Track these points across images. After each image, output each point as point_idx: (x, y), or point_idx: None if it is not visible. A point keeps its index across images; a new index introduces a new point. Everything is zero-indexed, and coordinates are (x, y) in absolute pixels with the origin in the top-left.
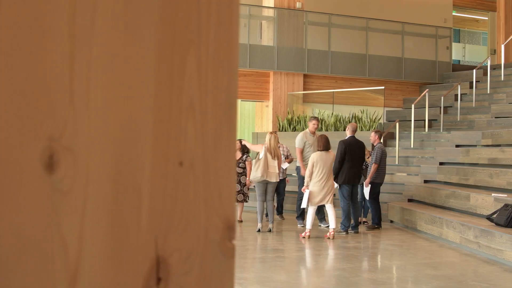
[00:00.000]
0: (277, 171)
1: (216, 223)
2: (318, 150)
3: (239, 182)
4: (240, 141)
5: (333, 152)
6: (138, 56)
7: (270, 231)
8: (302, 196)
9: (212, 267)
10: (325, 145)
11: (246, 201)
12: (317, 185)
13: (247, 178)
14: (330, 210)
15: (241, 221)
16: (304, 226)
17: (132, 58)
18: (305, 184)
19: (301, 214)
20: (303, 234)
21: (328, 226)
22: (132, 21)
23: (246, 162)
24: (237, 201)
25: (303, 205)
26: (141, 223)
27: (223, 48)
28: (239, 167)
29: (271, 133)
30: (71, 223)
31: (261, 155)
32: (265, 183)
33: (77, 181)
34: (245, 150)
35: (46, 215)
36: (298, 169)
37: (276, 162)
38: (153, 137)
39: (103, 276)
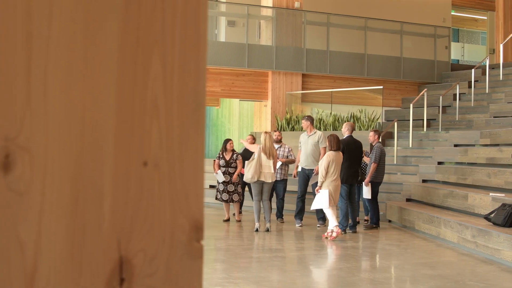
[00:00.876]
0: (273, 171)
1: (182, 224)
2: (332, 150)
3: (233, 182)
4: (230, 140)
5: (341, 153)
6: (98, 56)
7: (267, 230)
8: (302, 196)
9: (178, 268)
10: (338, 145)
11: (241, 200)
12: (333, 184)
13: (235, 174)
14: (328, 212)
15: (239, 220)
16: (302, 225)
17: (93, 59)
18: (319, 184)
19: (299, 213)
20: (334, 235)
21: (322, 225)
22: (92, 22)
23: (237, 161)
24: (233, 201)
25: (322, 206)
26: (102, 224)
27: (190, 48)
28: (231, 167)
29: (266, 133)
30: (28, 224)
31: (255, 155)
32: (260, 183)
33: (34, 181)
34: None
35: (1, 215)
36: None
37: (271, 162)
38: (115, 137)
39: (63, 277)
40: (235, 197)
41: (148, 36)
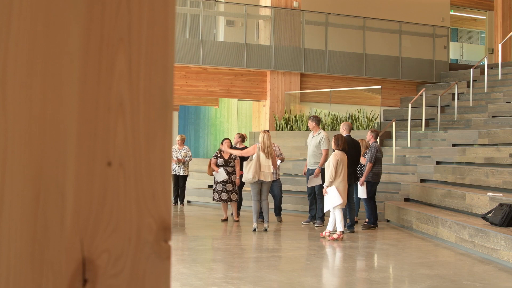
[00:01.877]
0: (272, 171)
1: (149, 224)
2: (338, 150)
3: (231, 181)
4: (227, 139)
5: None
6: (60, 55)
7: (265, 230)
8: (310, 194)
9: (145, 269)
10: (343, 145)
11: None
12: (342, 184)
13: (237, 177)
14: (338, 213)
15: (238, 220)
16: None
17: (54, 58)
18: (326, 184)
19: (312, 211)
20: (335, 237)
21: (320, 225)
22: (53, 21)
23: (236, 161)
24: (231, 200)
25: (330, 207)
26: (64, 224)
27: (157, 47)
28: (230, 166)
29: (264, 132)
30: None
31: (254, 155)
32: (259, 183)
33: None
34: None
35: None
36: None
37: (270, 161)
38: (78, 137)
39: (23, 277)
40: (233, 196)
41: (112, 34)
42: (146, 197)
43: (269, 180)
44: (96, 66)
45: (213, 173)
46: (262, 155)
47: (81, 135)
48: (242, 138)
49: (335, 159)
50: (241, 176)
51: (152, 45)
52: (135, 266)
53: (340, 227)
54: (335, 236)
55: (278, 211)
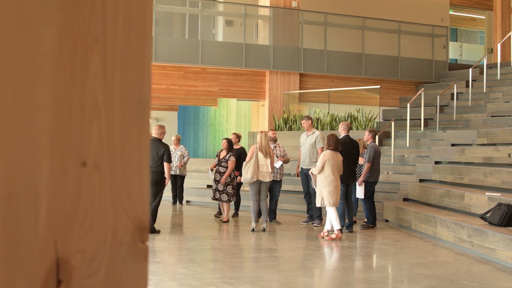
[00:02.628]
0: (270, 170)
1: (126, 224)
2: (329, 149)
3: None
4: (224, 139)
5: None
6: (32, 55)
7: (264, 230)
8: (306, 194)
9: (121, 269)
10: (335, 145)
11: (230, 201)
12: (332, 184)
13: (223, 176)
14: (331, 212)
15: (227, 221)
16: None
17: (26, 57)
18: (313, 180)
19: (311, 211)
20: (333, 237)
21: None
22: (26, 20)
23: (229, 161)
24: (221, 200)
25: (317, 204)
26: (38, 225)
27: (133, 47)
28: (222, 166)
29: (261, 132)
30: None
31: (253, 156)
32: (258, 183)
33: None
34: (231, 149)
35: None
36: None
37: (268, 161)
38: (51, 137)
39: None
40: (224, 197)
41: (87, 35)
42: (122, 198)
43: (268, 180)
44: (69, 67)
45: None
46: (260, 155)
47: (54, 135)
48: (238, 138)
49: (323, 158)
50: (236, 176)
51: (128, 46)
52: (111, 267)
53: (336, 226)
54: (333, 236)
55: (273, 215)
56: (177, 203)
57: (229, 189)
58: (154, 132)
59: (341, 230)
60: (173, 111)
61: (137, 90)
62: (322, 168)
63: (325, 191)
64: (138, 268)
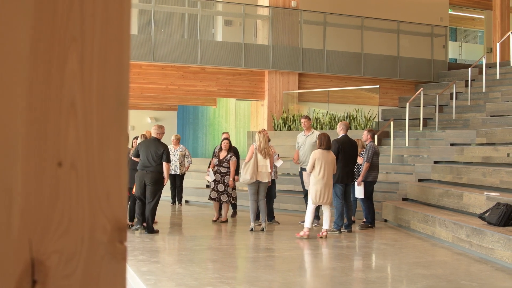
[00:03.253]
0: (269, 170)
1: (104, 224)
2: (320, 148)
3: (223, 182)
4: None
5: (332, 153)
6: (7, 54)
7: (262, 230)
8: (306, 195)
9: (99, 269)
10: (327, 144)
11: (232, 202)
12: (320, 183)
13: (230, 178)
14: (327, 211)
15: (226, 221)
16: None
17: (1, 56)
18: (305, 180)
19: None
20: (301, 234)
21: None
22: (1, 18)
23: (230, 162)
24: (221, 201)
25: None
26: (12, 225)
27: (111, 46)
28: (223, 166)
29: (260, 132)
30: None
31: (253, 156)
32: (257, 183)
33: None
34: (231, 149)
35: None
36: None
37: (267, 161)
38: (27, 137)
39: None
40: (224, 197)
41: (64, 34)
42: (99, 198)
43: (267, 180)
44: (46, 66)
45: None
46: (259, 156)
47: (30, 135)
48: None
49: (312, 158)
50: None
51: (106, 45)
52: (88, 267)
53: (307, 224)
54: (301, 233)
55: (271, 214)
56: (176, 203)
57: (229, 189)
58: (153, 132)
59: (337, 227)
60: (172, 111)
61: (115, 89)
62: (313, 167)
63: (313, 189)
64: (116, 268)
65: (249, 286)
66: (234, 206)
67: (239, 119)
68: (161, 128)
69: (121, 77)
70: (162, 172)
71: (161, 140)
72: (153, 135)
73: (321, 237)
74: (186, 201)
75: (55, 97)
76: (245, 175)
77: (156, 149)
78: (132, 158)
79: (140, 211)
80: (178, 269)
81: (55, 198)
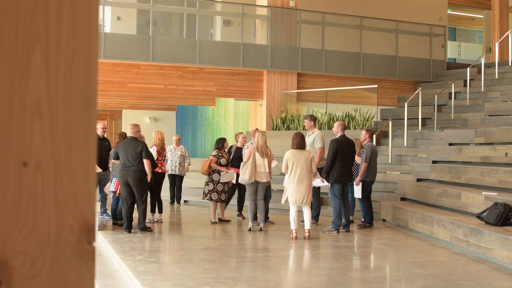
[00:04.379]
0: (267, 170)
1: (71, 225)
2: (292, 148)
3: (224, 182)
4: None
5: (309, 151)
6: None
7: (261, 230)
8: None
9: (66, 270)
10: (299, 143)
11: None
12: (292, 183)
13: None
14: (305, 211)
15: (229, 221)
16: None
17: None
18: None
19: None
20: (292, 236)
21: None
22: None
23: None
24: (221, 201)
25: (282, 201)
26: None
27: (79, 45)
28: (232, 166)
29: (258, 130)
30: None
31: (251, 156)
32: (255, 183)
33: None
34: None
35: None
36: None
37: (266, 161)
38: None
39: None
40: (223, 196)
41: (28, 34)
42: (66, 198)
43: (265, 180)
44: (9, 66)
45: (221, 173)
46: (257, 155)
47: None
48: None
49: (285, 158)
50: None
51: (73, 44)
52: (55, 268)
53: (292, 226)
54: (291, 235)
55: (266, 215)
56: (175, 202)
57: (226, 187)
58: (129, 132)
59: (335, 227)
60: (171, 111)
61: (83, 89)
62: (287, 167)
63: (287, 190)
64: (84, 269)
65: (246, 286)
66: (240, 208)
67: (238, 119)
68: (137, 127)
69: (89, 77)
70: (144, 171)
71: (138, 139)
72: (130, 134)
73: (304, 238)
74: (185, 201)
75: (19, 97)
76: (244, 175)
77: (135, 148)
78: (112, 160)
79: (126, 214)
80: (176, 269)
81: (19, 198)
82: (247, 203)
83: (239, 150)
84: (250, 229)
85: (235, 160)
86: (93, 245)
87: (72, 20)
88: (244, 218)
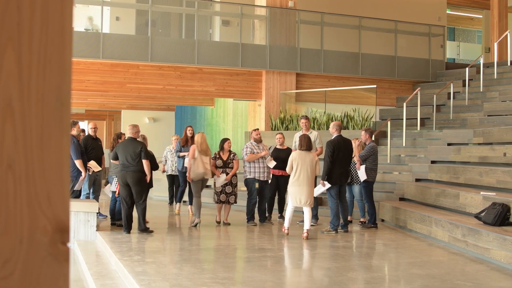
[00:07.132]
0: (208, 168)
1: (44, 226)
2: (300, 150)
3: (231, 183)
4: (228, 140)
5: (315, 153)
6: None
7: (196, 225)
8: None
9: (39, 271)
10: (307, 145)
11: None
12: (295, 184)
13: (230, 174)
14: (306, 212)
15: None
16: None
17: None
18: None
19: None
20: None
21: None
22: None
23: (234, 161)
24: (229, 202)
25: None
26: None
27: (52, 45)
28: (229, 167)
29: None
30: None
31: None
32: (201, 181)
33: None
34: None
35: None
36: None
37: (207, 158)
38: None
39: None
40: (232, 198)
41: (0, 34)
42: (39, 199)
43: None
44: None
45: (214, 177)
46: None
47: None
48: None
49: (291, 158)
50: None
51: (46, 45)
52: (28, 269)
53: (286, 224)
54: (305, 235)
55: (264, 215)
56: (174, 203)
57: (236, 190)
58: (128, 132)
59: (333, 227)
60: (170, 111)
61: (56, 89)
62: (291, 168)
63: (289, 190)
64: (58, 269)
65: (243, 286)
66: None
67: (237, 119)
68: (136, 127)
69: (63, 77)
70: (143, 171)
71: (138, 139)
72: (129, 134)
73: (303, 239)
74: (184, 201)
75: None
76: (198, 169)
77: (134, 148)
78: (111, 161)
79: (125, 214)
80: (173, 269)
81: None
82: (195, 200)
83: (277, 151)
84: (196, 225)
85: (278, 161)
86: (68, 245)
87: (45, 20)
88: (272, 223)
